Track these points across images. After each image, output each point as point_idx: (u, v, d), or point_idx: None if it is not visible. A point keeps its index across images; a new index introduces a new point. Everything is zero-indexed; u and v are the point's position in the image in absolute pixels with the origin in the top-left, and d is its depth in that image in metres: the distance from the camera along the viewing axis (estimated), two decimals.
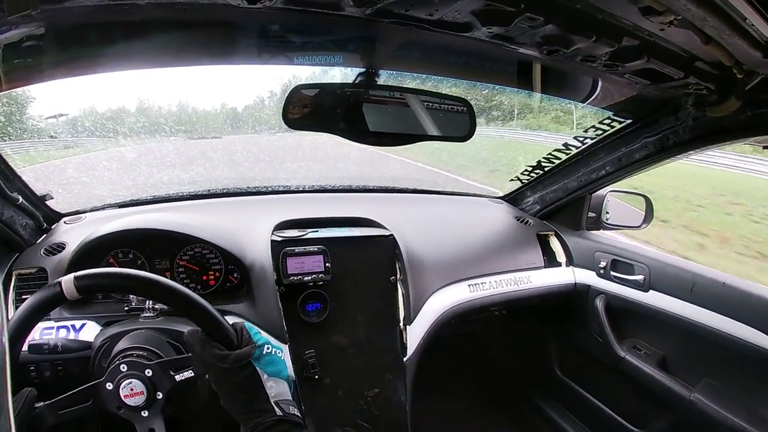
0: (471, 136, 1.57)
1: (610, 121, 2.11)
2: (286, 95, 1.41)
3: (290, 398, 1.26)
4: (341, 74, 1.61)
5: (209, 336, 1.20)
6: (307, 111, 1.42)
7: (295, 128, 1.45)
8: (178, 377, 1.28)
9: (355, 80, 1.48)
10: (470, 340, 3.31)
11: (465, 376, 3.42)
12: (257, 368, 1.21)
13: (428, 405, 2.42)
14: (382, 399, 1.99)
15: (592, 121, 2.18)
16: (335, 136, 1.46)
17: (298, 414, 1.23)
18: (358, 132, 1.45)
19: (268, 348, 1.25)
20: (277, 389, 1.23)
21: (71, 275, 1.14)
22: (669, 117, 1.90)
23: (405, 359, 2.01)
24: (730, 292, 1.93)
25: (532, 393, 3.11)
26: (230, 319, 1.28)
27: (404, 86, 1.51)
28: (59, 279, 1.14)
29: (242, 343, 1.22)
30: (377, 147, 1.53)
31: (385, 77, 1.49)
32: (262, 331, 1.34)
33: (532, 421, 3.05)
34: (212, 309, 1.22)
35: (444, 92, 1.53)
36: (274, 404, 1.19)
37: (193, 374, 1.28)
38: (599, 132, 2.21)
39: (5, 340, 0.62)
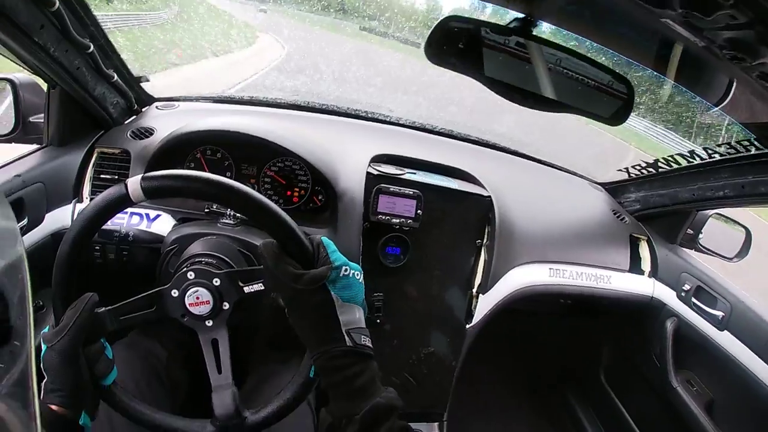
0: (624, 121, 1.46)
1: (748, 143, 1.93)
2: (434, 26, 1.31)
3: (363, 326, 1.18)
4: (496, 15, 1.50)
5: (284, 250, 1.13)
6: (450, 48, 1.32)
7: (436, 63, 1.33)
8: (246, 289, 1.22)
9: (509, 24, 1.36)
10: (527, 322, 3.24)
11: (512, 357, 3.39)
12: (332, 292, 1.12)
13: (471, 375, 2.39)
14: (434, 359, 1.96)
15: None
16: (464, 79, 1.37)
17: (370, 345, 1.16)
18: (501, 86, 1.34)
19: (345, 270, 1.15)
20: (350, 316, 1.15)
21: (138, 176, 1.10)
22: None
23: (468, 326, 1.97)
24: None
25: (570, 391, 3.06)
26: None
27: (563, 45, 1.40)
28: (126, 180, 1.10)
29: (318, 261, 1.14)
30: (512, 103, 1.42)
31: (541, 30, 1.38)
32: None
33: (561, 419, 3.02)
34: (291, 221, 1.15)
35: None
36: (345, 333, 1.12)
37: (263, 288, 1.22)
38: (732, 151, 2.03)
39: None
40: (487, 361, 3.05)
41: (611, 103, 1.42)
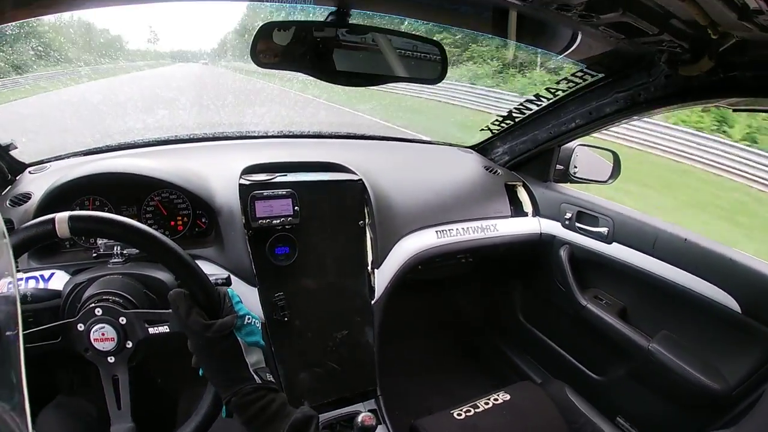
0: (442, 79, 1.58)
1: (582, 74, 2.11)
2: (255, 33, 1.38)
3: (265, 366, 1.27)
4: (312, 12, 1.57)
5: (193, 299, 1.20)
6: (276, 50, 1.39)
7: (264, 67, 1.41)
8: (152, 330, 1.27)
9: (326, 19, 1.44)
10: (438, 287, 3.36)
11: (432, 321, 3.50)
12: (238, 338, 1.22)
13: (395, 347, 2.46)
14: (350, 340, 2.03)
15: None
16: (303, 78, 1.45)
17: (273, 380, 1.25)
18: (329, 72, 1.43)
19: (248, 319, 1.26)
20: (255, 358, 1.25)
21: (66, 213, 1.12)
22: (641, 73, 1.91)
23: (373, 302, 2.05)
24: (690, 248, 1.98)
25: (496, 339, 3.20)
26: (201, 265, 1.27)
27: (376, 26, 1.48)
28: (53, 216, 1.12)
29: (224, 311, 1.23)
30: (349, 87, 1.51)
31: (357, 17, 1.46)
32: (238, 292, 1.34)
33: (495, 366, 3.15)
34: (203, 273, 1.23)
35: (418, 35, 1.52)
36: (253, 372, 1.21)
37: (168, 330, 1.27)
38: (571, 84, 2.21)
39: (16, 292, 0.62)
40: (411, 330, 3.19)
41: (431, 66, 1.53)
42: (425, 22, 1.89)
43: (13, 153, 2.01)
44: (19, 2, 1.27)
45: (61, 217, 1.12)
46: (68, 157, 2.22)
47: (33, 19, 1.39)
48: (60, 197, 1.75)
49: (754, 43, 1.38)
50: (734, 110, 1.83)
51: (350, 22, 1.45)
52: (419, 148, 3.03)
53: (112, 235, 1.25)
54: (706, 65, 1.52)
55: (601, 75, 2.07)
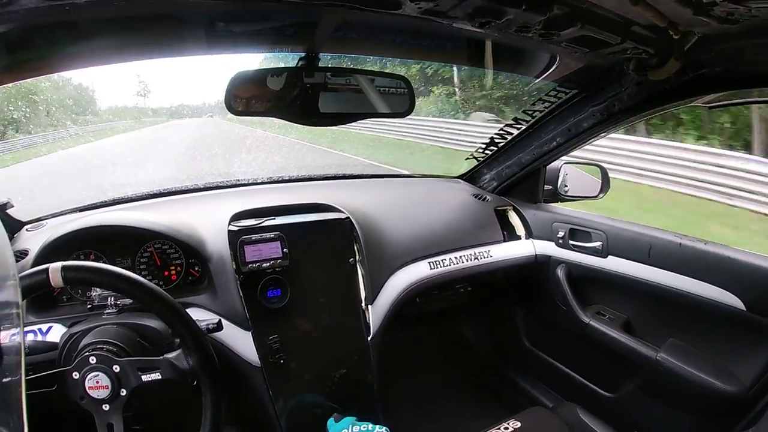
0: (410, 112, 1.61)
1: (555, 92, 2.16)
2: (228, 83, 1.41)
3: None
4: (282, 59, 1.61)
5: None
6: (248, 96, 1.42)
7: (238, 114, 1.46)
8: (144, 377, 1.29)
9: (297, 64, 1.48)
10: (439, 318, 3.34)
11: (435, 354, 3.46)
12: None
13: (401, 382, 2.44)
14: (349, 379, 2.01)
15: None
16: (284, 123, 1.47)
17: None
18: (303, 114, 1.47)
19: None
20: None
21: (59, 263, 1.16)
22: (613, 84, 1.95)
23: (369, 339, 2.04)
24: (686, 252, 1.98)
25: (502, 366, 3.15)
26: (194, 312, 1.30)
27: (341, 67, 1.52)
28: (46, 266, 1.15)
29: None
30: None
31: (327, 60, 1.50)
32: None
33: (505, 394, 3.09)
34: (191, 318, 1.28)
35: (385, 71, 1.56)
36: None
37: (160, 377, 1.29)
38: (547, 104, 2.25)
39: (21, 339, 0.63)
40: (414, 366, 3.17)
41: (400, 100, 1.57)
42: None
43: (9, 211, 2.04)
44: (9, 65, 1.31)
45: (55, 267, 1.15)
46: (64, 214, 2.24)
47: (25, 81, 1.44)
48: (55, 251, 1.76)
49: (716, 36, 1.42)
50: (710, 108, 1.85)
51: (318, 65, 1.48)
52: (407, 182, 3.05)
53: (103, 284, 1.29)
54: (674, 67, 1.55)
55: (574, 91, 2.11)
